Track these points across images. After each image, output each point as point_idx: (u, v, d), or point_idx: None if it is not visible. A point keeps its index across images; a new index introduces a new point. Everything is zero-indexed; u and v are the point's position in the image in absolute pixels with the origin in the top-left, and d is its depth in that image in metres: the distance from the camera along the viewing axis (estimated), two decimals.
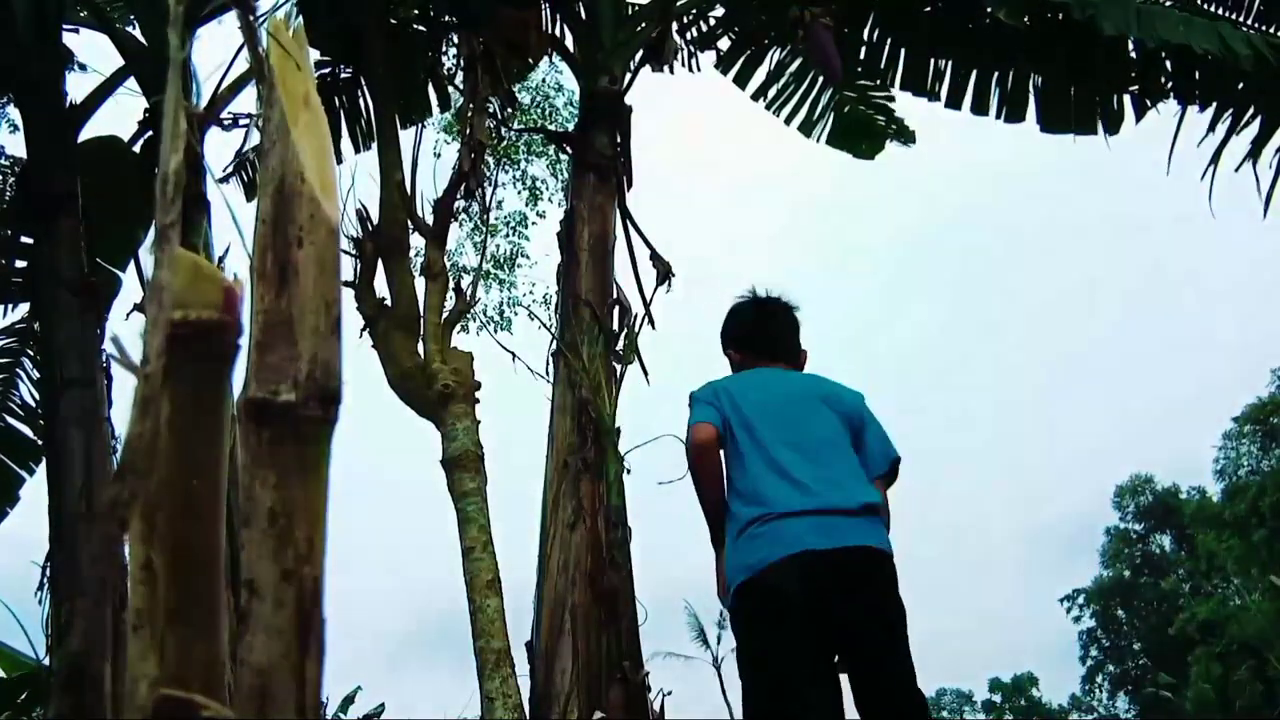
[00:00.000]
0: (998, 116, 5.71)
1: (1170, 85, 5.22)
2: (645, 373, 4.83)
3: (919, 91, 5.89)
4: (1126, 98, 5.37)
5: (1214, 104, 5.07)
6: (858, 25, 5.82)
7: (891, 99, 6.29)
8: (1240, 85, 4.98)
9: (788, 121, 6.46)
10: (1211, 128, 5.09)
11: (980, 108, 5.72)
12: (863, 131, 6.53)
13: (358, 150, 6.48)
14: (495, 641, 4.48)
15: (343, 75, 6.31)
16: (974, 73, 5.67)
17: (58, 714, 4.03)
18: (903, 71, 5.90)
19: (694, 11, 6.08)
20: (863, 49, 5.90)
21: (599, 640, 4.11)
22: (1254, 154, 5.03)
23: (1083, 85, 5.45)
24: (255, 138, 6.18)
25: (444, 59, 6.44)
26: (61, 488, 4.50)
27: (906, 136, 6.55)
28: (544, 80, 10.91)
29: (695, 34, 6.21)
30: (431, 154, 10.55)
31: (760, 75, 6.35)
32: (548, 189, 11.69)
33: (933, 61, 5.78)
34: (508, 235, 11.85)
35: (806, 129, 6.48)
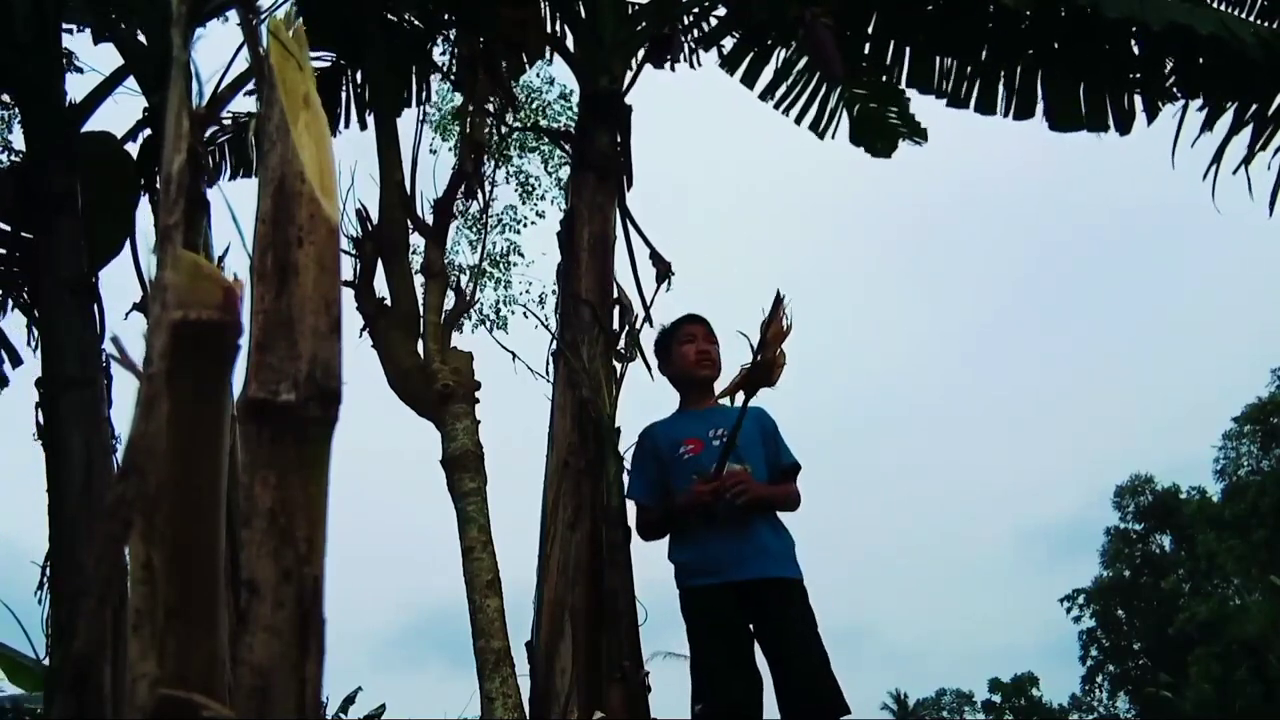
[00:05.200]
0: (1005, 114, 5.62)
1: (1174, 79, 5.16)
2: (649, 369, 4.81)
3: (925, 89, 5.80)
4: (1138, 98, 5.31)
5: (1217, 99, 5.03)
6: (861, 22, 5.77)
7: (903, 94, 6.12)
8: (1243, 81, 4.94)
9: (798, 121, 6.34)
10: (1211, 125, 5.07)
11: (987, 106, 5.64)
12: (876, 129, 6.35)
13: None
14: (495, 641, 4.46)
15: (340, 64, 6.30)
16: (980, 70, 5.60)
17: (61, 715, 4.01)
18: (908, 68, 5.81)
19: (696, 10, 6.05)
20: (866, 44, 5.83)
21: (599, 640, 4.10)
22: (1250, 155, 5.01)
23: (1089, 82, 5.40)
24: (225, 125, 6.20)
25: (443, 58, 6.43)
26: (61, 488, 4.48)
27: (919, 135, 6.35)
28: (538, 74, 10.91)
29: (698, 33, 6.17)
30: (428, 151, 10.57)
31: (768, 75, 6.25)
32: (540, 185, 11.70)
33: (938, 60, 5.72)
34: (503, 232, 11.87)
35: (818, 129, 6.35)
